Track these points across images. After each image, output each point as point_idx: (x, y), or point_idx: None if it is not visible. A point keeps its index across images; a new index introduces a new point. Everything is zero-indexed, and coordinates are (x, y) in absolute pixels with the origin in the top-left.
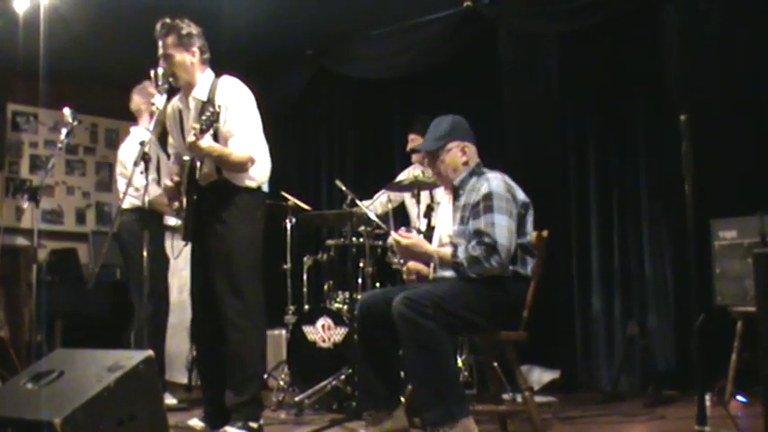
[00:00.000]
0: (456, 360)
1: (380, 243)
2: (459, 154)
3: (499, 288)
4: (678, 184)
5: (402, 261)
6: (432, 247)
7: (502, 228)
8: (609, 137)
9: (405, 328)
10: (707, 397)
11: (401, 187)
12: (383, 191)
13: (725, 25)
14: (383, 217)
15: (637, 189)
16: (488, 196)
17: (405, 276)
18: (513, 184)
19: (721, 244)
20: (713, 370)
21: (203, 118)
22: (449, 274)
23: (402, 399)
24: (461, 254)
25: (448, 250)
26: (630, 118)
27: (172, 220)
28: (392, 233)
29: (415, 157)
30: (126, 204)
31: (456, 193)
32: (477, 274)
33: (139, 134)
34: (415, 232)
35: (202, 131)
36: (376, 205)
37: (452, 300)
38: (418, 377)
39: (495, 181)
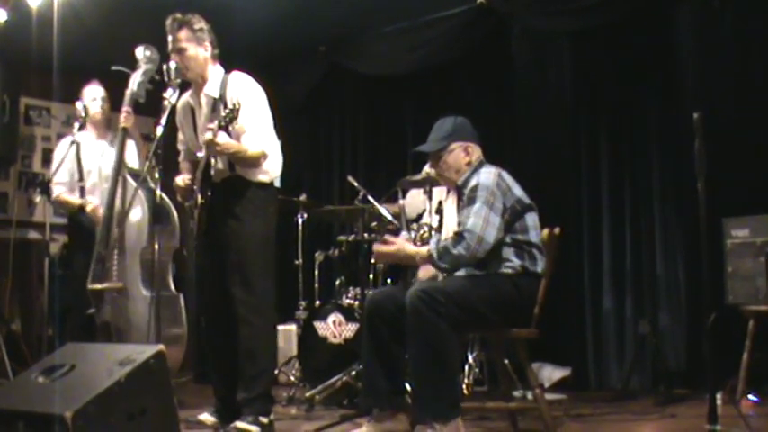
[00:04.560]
0: (466, 357)
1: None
2: (462, 155)
3: (510, 285)
4: (691, 182)
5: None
6: (413, 248)
7: (478, 217)
8: (622, 135)
9: (415, 321)
10: (718, 396)
11: (413, 183)
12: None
13: (738, 22)
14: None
15: (649, 187)
16: (474, 188)
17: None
18: (509, 179)
19: (734, 243)
20: (724, 369)
21: (222, 115)
22: (462, 272)
23: (408, 400)
24: (433, 247)
25: (425, 248)
26: (643, 116)
27: None
28: (375, 245)
29: None
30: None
31: (460, 192)
32: (449, 265)
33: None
34: (406, 234)
35: (221, 128)
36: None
37: (465, 295)
38: (419, 371)
39: (484, 174)
